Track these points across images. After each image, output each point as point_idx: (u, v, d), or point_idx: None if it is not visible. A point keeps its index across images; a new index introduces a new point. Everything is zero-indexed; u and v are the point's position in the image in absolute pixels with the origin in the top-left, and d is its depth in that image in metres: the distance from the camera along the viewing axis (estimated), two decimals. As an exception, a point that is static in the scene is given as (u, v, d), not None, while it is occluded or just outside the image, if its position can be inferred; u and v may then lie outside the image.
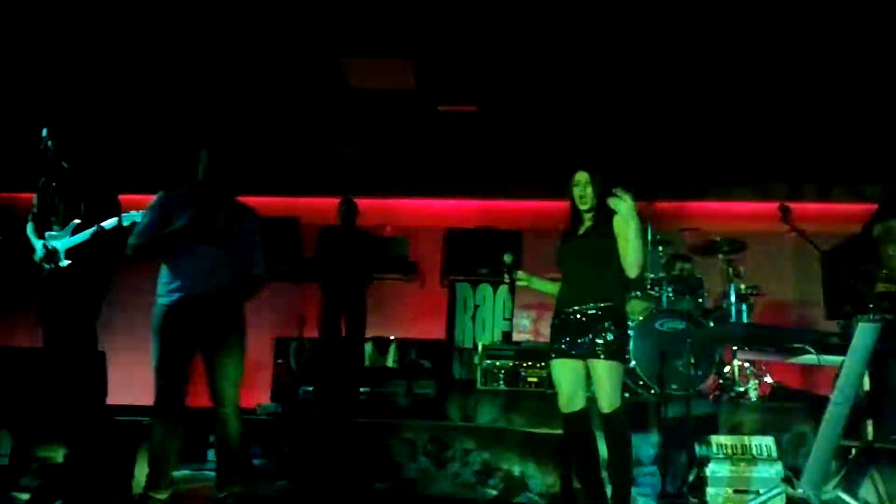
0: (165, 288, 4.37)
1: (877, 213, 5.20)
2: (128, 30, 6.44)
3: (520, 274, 4.51)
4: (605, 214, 4.32)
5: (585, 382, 4.31)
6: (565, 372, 4.29)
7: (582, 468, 4.40)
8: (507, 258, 4.51)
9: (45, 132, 5.57)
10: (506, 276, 4.51)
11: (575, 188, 4.36)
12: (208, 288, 4.29)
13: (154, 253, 4.40)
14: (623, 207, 4.12)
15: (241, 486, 4.40)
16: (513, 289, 4.51)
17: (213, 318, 4.29)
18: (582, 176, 4.36)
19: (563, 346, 4.28)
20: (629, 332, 4.40)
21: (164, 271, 4.42)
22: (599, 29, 6.30)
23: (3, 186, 9.79)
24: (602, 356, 4.15)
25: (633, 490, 5.13)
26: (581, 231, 4.41)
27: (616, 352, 4.19)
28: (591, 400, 4.33)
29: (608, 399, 4.16)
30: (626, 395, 6.49)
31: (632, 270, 4.26)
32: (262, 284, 4.55)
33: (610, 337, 4.17)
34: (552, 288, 4.54)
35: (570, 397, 4.26)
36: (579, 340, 4.23)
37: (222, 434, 4.37)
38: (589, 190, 4.33)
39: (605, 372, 4.16)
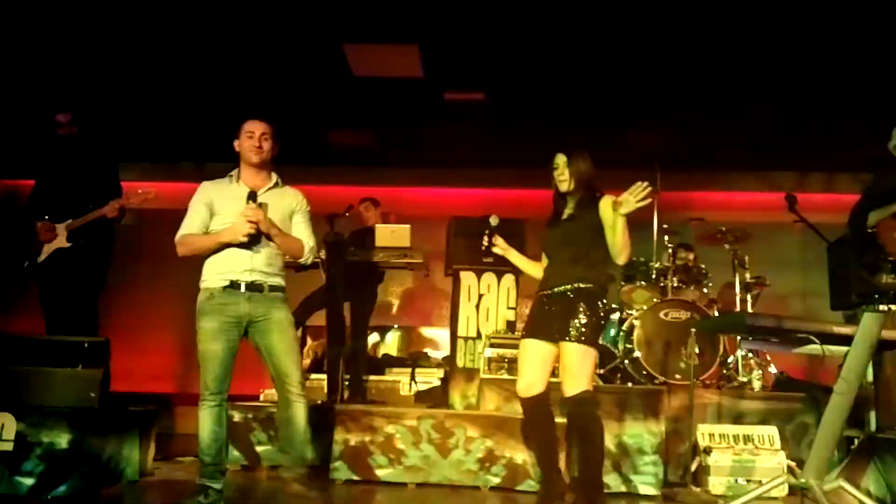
0: (210, 272, 4.31)
1: (867, 200, 5.15)
2: (132, 18, 6.42)
3: (499, 241, 4.48)
4: (589, 198, 4.28)
5: (549, 368, 4.30)
6: (532, 354, 4.27)
7: (540, 452, 4.45)
8: (493, 220, 4.47)
9: (56, 118, 5.58)
10: (485, 238, 4.44)
11: (554, 171, 4.33)
12: (255, 273, 4.23)
13: (201, 249, 4.33)
14: (609, 215, 4.13)
15: (305, 468, 4.36)
16: (488, 252, 4.43)
17: (259, 300, 4.24)
18: (560, 158, 4.32)
19: (535, 327, 4.29)
20: (606, 318, 4.34)
21: (210, 256, 4.33)
22: (606, 16, 6.26)
23: (5, 174, 9.81)
24: (572, 339, 4.10)
25: (636, 478, 5.15)
26: (565, 215, 4.37)
27: (587, 336, 4.12)
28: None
29: (572, 383, 4.11)
30: (629, 384, 6.51)
31: (619, 258, 4.25)
32: (308, 266, 4.55)
33: (583, 320, 4.12)
34: (528, 266, 4.55)
35: (530, 382, 4.27)
36: (552, 322, 4.20)
37: (286, 416, 4.29)
38: (567, 172, 4.29)
39: (573, 355, 4.11)
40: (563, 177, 4.29)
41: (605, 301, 4.28)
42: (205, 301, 4.28)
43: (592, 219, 4.24)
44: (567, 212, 4.36)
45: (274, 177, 4.43)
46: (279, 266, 4.38)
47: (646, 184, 4.02)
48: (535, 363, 4.28)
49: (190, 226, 4.34)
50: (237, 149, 4.38)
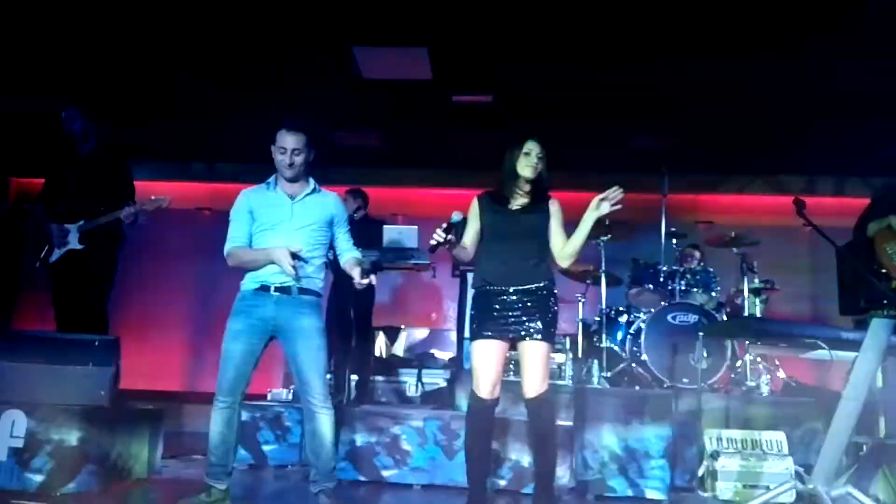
0: (247, 275, 4.34)
1: (870, 210, 5.16)
2: (145, 17, 6.45)
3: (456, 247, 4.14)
4: (543, 193, 4.28)
5: (503, 369, 4.22)
6: (492, 355, 4.14)
7: (483, 460, 4.29)
8: (456, 217, 4.08)
9: (64, 114, 5.59)
10: (441, 233, 4.00)
11: (526, 157, 4.22)
12: (285, 275, 4.23)
13: (249, 264, 4.35)
14: (593, 216, 4.08)
15: (335, 481, 4.34)
16: (434, 249, 4.14)
17: (287, 304, 4.26)
18: (536, 146, 4.23)
19: (492, 327, 4.14)
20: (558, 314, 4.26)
21: None
22: (615, 19, 6.26)
23: (22, 172, 9.86)
24: (539, 338, 4.07)
25: (643, 482, 5.15)
26: (516, 206, 4.29)
27: (551, 334, 4.12)
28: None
29: (537, 383, 4.07)
30: (637, 387, 6.51)
31: (565, 261, 4.23)
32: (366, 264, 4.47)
33: (546, 319, 4.10)
34: (461, 252, 4.28)
35: (493, 384, 4.13)
36: (511, 321, 4.11)
37: (311, 427, 4.27)
38: (542, 164, 4.23)
39: (537, 353, 4.08)
40: (536, 164, 4.22)
41: (556, 297, 4.24)
42: (237, 302, 4.34)
43: (546, 215, 4.25)
44: (520, 202, 4.29)
45: (311, 182, 4.44)
46: (312, 269, 4.37)
47: (620, 190, 4.01)
48: (495, 364, 4.15)
49: (237, 238, 4.38)
50: (273, 156, 4.39)
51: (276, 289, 4.24)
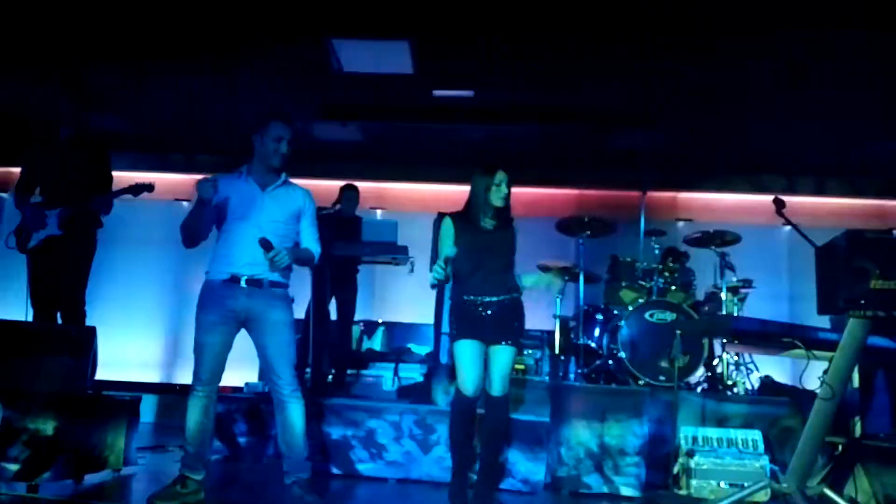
0: (214, 265, 4.33)
1: None
2: (121, 7, 6.38)
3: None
4: (507, 215, 4.62)
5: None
6: (475, 355, 4.42)
7: (466, 450, 4.60)
8: (453, 252, 4.30)
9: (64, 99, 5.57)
10: (440, 269, 4.23)
11: (496, 187, 4.52)
12: (256, 267, 4.24)
13: (200, 238, 4.35)
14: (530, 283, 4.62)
15: (308, 472, 4.37)
16: (436, 286, 4.46)
17: (258, 296, 4.25)
18: (504, 176, 4.54)
19: (473, 330, 4.43)
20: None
21: (215, 249, 4.36)
22: (596, 16, 6.25)
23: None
24: (510, 343, 4.46)
25: (618, 479, 5.17)
26: (488, 226, 4.59)
27: (517, 339, 4.53)
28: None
29: (503, 383, 4.43)
30: (613, 385, 6.53)
31: None
32: (311, 264, 4.62)
33: (516, 325, 4.51)
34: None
35: (478, 382, 4.42)
36: (490, 328, 4.44)
37: (282, 419, 4.29)
38: (507, 190, 4.55)
39: (507, 357, 4.45)
40: (505, 193, 4.54)
41: (523, 306, 4.61)
42: (205, 293, 4.31)
43: (512, 234, 4.63)
44: (490, 223, 4.59)
45: (283, 175, 4.44)
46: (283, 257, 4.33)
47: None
48: (477, 363, 4.43)
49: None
50: (256, 145, 4.38)
51: (247, 281, 4.24)
